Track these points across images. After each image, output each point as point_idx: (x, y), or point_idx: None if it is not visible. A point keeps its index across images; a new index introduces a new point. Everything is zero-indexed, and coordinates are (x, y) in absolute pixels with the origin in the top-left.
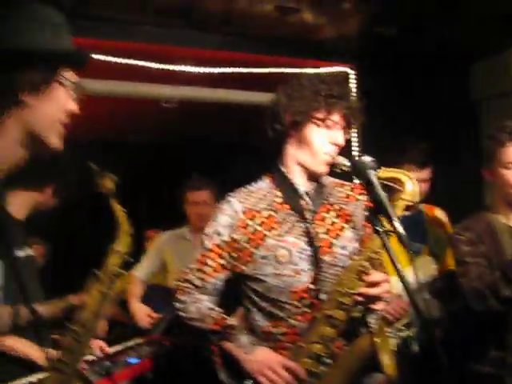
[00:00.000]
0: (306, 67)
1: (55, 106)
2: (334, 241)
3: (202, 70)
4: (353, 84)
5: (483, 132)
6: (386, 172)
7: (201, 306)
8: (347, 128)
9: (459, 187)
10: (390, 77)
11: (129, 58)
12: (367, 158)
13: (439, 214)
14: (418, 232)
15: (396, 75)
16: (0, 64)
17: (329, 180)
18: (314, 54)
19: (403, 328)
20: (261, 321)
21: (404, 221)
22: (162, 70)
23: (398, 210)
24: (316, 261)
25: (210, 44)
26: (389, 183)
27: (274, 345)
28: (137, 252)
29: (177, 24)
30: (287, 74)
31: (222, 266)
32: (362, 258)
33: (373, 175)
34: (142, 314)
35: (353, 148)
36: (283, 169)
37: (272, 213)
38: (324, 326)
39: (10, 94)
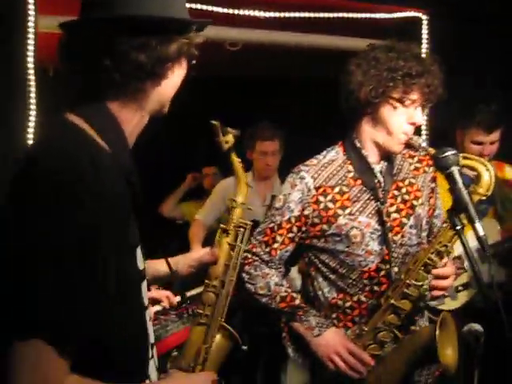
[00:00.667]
0: (378, 12)
1: (178, 79)
2: (405, 220)
3: (268, 14)
4: (425, 30)
5: None
6: (464, 159)
7: (269, 281)
8: (426, 104)
9: None
10: (464, 23)
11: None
12: (450, 152)
13: (509, 172)
14: None
15: (471, 21)
16: (159, 32)
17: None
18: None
19: (461, 288)
20: (329, 292)
21: (469, 180)
22: (228, 13)
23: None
24: (387, 241)
25: None
26: (465, 172)
27: (341, 316)
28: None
29: None
30: (357, 18)
31: (291, 239)
32: (430, 250)
33: (457, 172)
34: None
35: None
36: (358, 143)
37: (344, 188)
38: (389, 314)
39: (166, 62)
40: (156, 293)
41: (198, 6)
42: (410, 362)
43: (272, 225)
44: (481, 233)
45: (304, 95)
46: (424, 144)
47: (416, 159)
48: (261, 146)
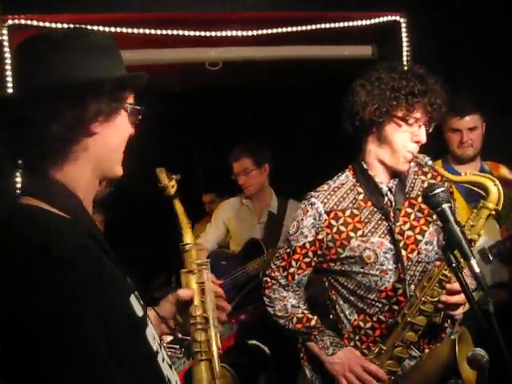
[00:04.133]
0: (356, 19)
1: (119, 133)
2: (419, 237)
3: (247, 32)
4: (404, 33)
5: None
6: (471, 176)
7: (287, 303)
8: (430, 122)
9: None
10: (442, 25)
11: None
12: (440, 189)
13: (505, 172)
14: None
15: (449, 23)
16: (70, 97)
17: (410, 169)
18: (363, 6)
19: None
20: (350, 314)
21: (477, 197)
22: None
23: (481, 220)
24: (400, 260)
25: (255, 5)
26: (473, 188)
27: (364, 338)
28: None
29: None
30: (336, 27)
31: (307, 263)
32: (444, 266)
33: (448, 210)
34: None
35: None
36: (365, 165)
37: (355, 211)
38: (407, 331)
39: (82, 126)
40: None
41: (175, 32)
42: (431, 379)
43: (288, 250)
44: (476, 270)
45: (289, 107)
46: (430, 162)
47: (429, 176)
48: (234, 167)
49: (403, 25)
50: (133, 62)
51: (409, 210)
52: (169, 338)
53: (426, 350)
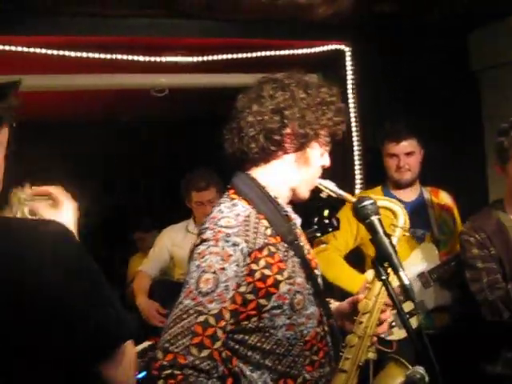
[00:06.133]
0: (300, 47)
1: None
2: (316, 271)
3: (190, 58)
4: (349, 62)
5: (485, 104)
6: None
7: None
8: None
9: (462, 163)
10: (386, 54)
11: (115, 52)
12: (368, 201)
13: (445, 197)
14: (421, 217)
15: (393, 52)
16: None
17: None
18: (308, 35)
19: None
20: None
21: (407, 207)
22: (150, 61)
23: (397, 240)
24: (319, 299)
25: (198, 32)
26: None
27: None
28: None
29: (159, 14)
30: (280, 55)
31: (225, 330)
32: (378, 300)
33: (377, 222)
34: (152, 310)
35: (352, 130)
36: (270, 192)
37: (272, 248)
38: (353, 377)
39: None
40: None
41: (119, 56)
42: None
43: (203, 318)
44: (405, 281)
45: None
46: (338, 190)
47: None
48: (196, 196)
49: (348, 53)
50: (76, 86)
51: (301, 243)
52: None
53: None
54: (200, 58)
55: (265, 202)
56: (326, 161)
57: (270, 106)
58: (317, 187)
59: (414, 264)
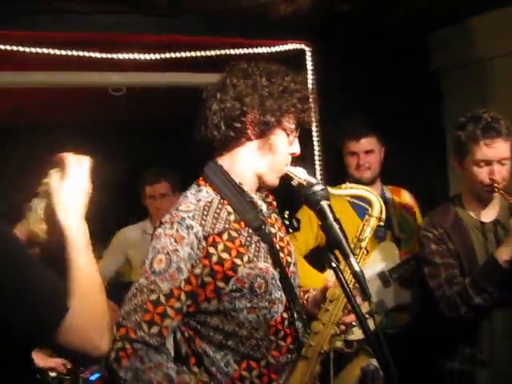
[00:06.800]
0: (260, 46)
1: None
2: (289, 258)
3: (150, 56)
4: (309, 62)
5: (445, 104)
6: (350, 189)
7: (168, 371)
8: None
9: (423, 162)
10: (347, 53)
11: (74, 48)
12: (319, 187)
13: (406, 196)
14: None
15: (354, 51)
16: None
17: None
18: (268, 34)
19: (366, 316)
20: (227, 365)
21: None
22: (110, 58)
23: (371, 229)
24: (286, 285)
25: (158, 29)
26: (355, 201)
27: None
28: None
29: (123, 10)
30: (240, 54)
31: (179, 310)
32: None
33: (327, 208)
34: (109, 311)
35: (312, 129)
36: (235, 178)
37: (233, 233)
38: (316, 364)
39: None
40: (52, 362)
41: (75, 53)
42: None
43: (155, 296)
44: (356, 268)
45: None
46: (308, 178)
47: (265, 194)
48: (149, 190)
49: (308, 53)
50: (31, 83)
51: (273, 230)
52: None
53: None
54: (159, 56)
55: (229, 188)
56: (296, 149)
57: (232, 94)
58: (287, 175)
59: (375, 263)
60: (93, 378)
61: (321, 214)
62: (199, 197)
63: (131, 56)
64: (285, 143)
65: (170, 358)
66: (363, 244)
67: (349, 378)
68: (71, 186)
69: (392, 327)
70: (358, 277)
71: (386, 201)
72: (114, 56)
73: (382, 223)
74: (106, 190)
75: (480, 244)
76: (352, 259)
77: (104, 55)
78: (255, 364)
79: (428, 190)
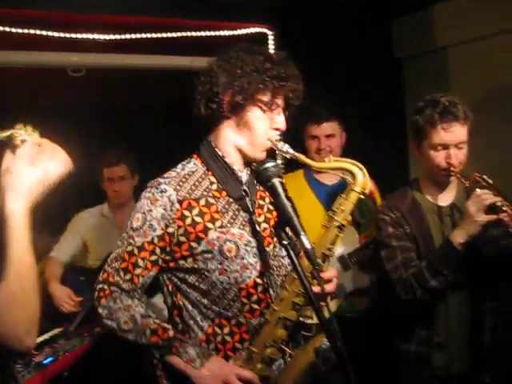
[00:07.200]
0: (221, 29)
1: None
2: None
3: (109, 36)
4: (271, 46)
5: (407, 92)
6: (334, 162)
7: (134, 314)
8: (289, 110)
9: (384, 149)
10: (310, 37)
11: (33, 27)
12: (271, 163)
13: None
14: None
15: (316, 36)
16: None
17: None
18: (231, 17)
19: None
20: (203, 320)
21: (328, 190)
22: (68, 38)
23: (350, 204)
24: (262, 253)
25: (117, 9)
26: (339, 174)
27: (220, 346)
28: None
29: None
30: (201, 37)
31: (154, 262)
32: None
33: (278, 185)
34: (63, 296)
35: None
36: (219, 152)
37: (211, 199)
38: (276, 329)
39: None
40: None
41: (32, 31)
42: (303, 376)
43: (131, 248)
44: (307, 245)
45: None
46: (291, 150)
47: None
48: (107, 172)
49: (270, 37)
50: None
51: (261, 202)
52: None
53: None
54: (119, 37)
55: (215, 161)
56: (279, 124)
57: (209, 77)
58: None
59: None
60: (46, 361)
61: (272, 191)
62: (185, 167)
63: (90, 36)
64: (261, 119)
65: (141, 303)
66: (337, 218)
67: (303, 358)
68: (27, 171)
69: (351, 311)
70: (309, 255)
71: (346, 185)
72: (73, 36)
73: (362, 197)
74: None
75: (437, 227)
76: (303, 237)
77: (63, 34)
78: (226, 322)
79: (389, 176)
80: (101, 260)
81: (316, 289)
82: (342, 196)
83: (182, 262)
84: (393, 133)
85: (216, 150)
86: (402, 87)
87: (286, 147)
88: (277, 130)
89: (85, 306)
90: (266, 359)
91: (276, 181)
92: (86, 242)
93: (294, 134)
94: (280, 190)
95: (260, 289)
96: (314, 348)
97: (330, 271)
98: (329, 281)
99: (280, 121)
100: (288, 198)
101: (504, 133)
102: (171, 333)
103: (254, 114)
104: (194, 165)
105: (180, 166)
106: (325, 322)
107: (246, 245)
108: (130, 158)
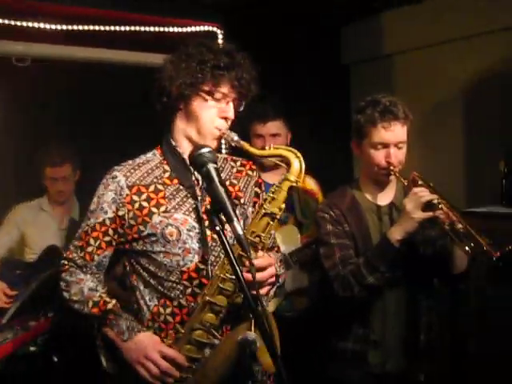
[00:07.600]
0: (170, 25)
1: None
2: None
3: (59, 26)
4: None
5: (354, 96)
6: (274, 150)
7: (83, 286)
8: (239, 100)
9: (329, 150)
10: (258, 38)
11: None
12: (206, 149)
13: (310, 182)
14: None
15: (265, 37)
16: None
17: (221, 155)
18: (181, 14)
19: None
20: (150, 300)
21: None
22: (14, 25)
23: (282, 192)
24: (204, 239)
25: (68, 0)
26: (275, 160)
27: (163, 326)
28: None
29: None
30: (150, 32)
31: (108, 243)
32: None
33: (213, 170)
34: None
35: None
36: (173, 142)
37: (160, 186)
38: (203, 312)
39: None
40: None
41: None
42: (228, 361)
43: (86, 228)
44: (239, 231)
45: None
46: (236, 138)
47: (239, 163)
48: (50, 172)
49: (220, 36)
50: None
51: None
52: None
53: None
54: (65, 27)
55: (170, 151)
56: (226, 113)
57: (160, 74)
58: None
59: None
60: None
61: (206, 177)
62: (143, 156)
63: (36, 25)
64: (207, 108)
65: (93, 278)
66: (266, 206)
67: (226, 347)
68: None
69: (291, 310)
70: (241, 240)
71: None
72: (19, 23)
73: (295, 185)
74: (6, 166)
75: (375, 226)
76: (236, 223)
77: (7, 21)
78: (169, 303)
79: (333, 177)
80: (38, 254)
81: (247, 275)
82: (275, 185)
83: (134, 244)
84: (338, 135)
85: (171, 140)
86: (349, 92)
87: (232, 135)
88: (224, 118)
89: (19, 299)
90: (193, 341)
91: (211, 166)
92: (23, 235)
93: (241, 133)
94: (214, 175)
95: (203, 273)
96: (237, 339)
97: (265, 259)
98: (262, 269)
99: (227, 110)
100: (222, 184)
101: (440, 137)
102: (110, 306)
103: (199, 104)
104: (152, 155)
105: (142, 155)
106: (253, 311)
107: (188, 230)
108: (73, 155)
